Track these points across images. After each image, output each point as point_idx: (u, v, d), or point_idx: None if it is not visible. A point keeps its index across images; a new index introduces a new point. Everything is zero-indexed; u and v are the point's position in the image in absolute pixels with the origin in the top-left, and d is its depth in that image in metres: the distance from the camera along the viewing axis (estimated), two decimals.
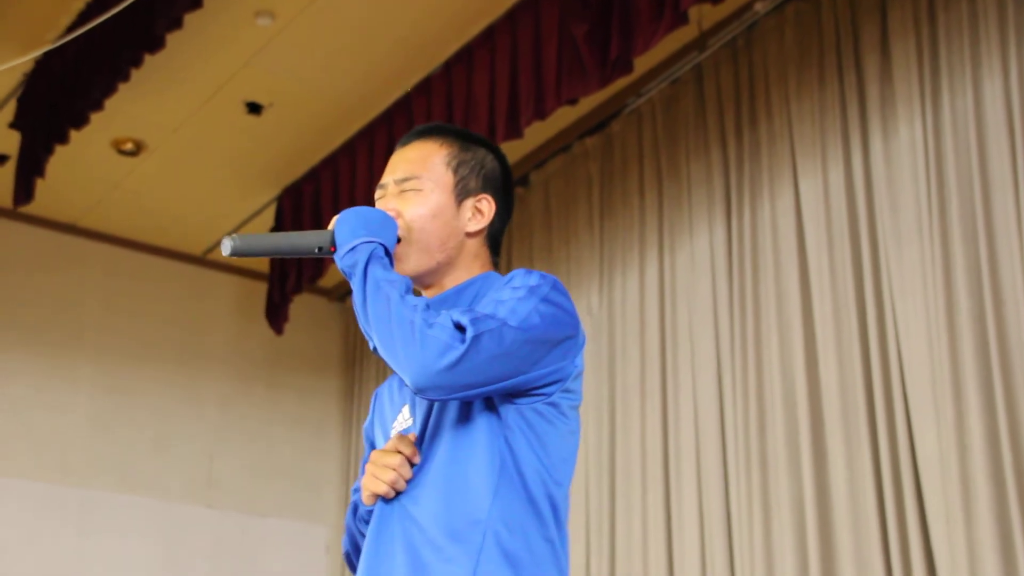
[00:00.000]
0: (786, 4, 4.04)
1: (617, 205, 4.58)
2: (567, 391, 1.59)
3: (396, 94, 4.59)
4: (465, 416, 1.57)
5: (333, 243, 1.60)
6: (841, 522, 3.51)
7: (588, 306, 4.57)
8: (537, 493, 1.55)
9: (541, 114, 3.96)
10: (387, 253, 1.59)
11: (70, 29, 4.11)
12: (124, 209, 5.37)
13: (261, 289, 5.45)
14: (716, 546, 3.84)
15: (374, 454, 1.60)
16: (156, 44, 3.96)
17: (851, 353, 3.60)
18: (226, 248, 1.59)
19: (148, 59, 4.02)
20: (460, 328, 1.49)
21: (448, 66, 4.37)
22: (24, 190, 4.53)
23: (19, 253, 5.35)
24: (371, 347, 1.57)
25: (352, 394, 5.86)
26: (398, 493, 1.57)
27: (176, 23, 3.90)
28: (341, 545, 5.52)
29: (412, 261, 1.65)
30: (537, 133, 4.61)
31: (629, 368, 4.34)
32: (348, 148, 4.88)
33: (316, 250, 1.61)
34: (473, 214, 1.68)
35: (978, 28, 3.51)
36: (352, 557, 1.73)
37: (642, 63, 4.15)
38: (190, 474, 5.49)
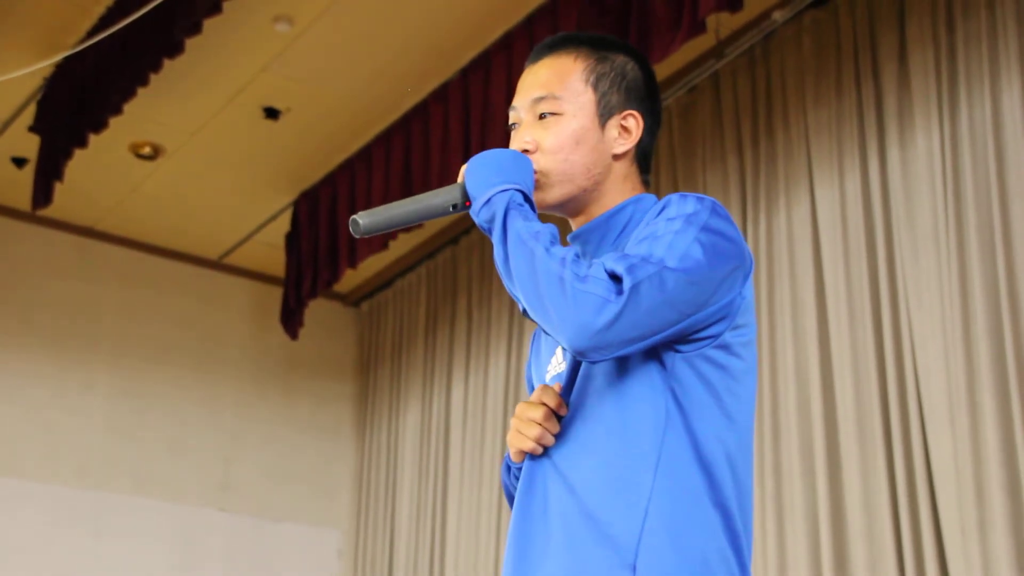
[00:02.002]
0: (804, 13, 4.03)
1: None
2: (737, 327, 1.42)
3: (413, 100, 4.61)
4: (623, 364, 1.40)
5: (467, 197, 1.46)
6: (855, 532, 3.50)
7: None
8: (710, 453, 1.38)
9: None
10: (527, 199, 1.43)
11: (90, 34, 4.13)
12: (141, 213, 5.40)
13: (277, 294, 5.47)
14: None
15: (519, 407, 1.46)
16: (175, 49, 3.98)
17: (866, 362, 3.59)
18: (356, 228, 1.46)
19: (167, 64, 4.05)
20: (615, 278, 1.33)
21: (465, 72, 4.38)
22: (43, 193, 4.56)
23: (37, 256, 5.39)
24: (520, 309, 1.43)
25: (367, 399, 5.87)
26: (547, 448, 1.43)
27: (195, 28, 3.92)
28: (360, 549, 5.53)
29: (556, 190, 1.51)
30: None
31: None
32: (365, 153, 4.89)
33: (451, 208, 1.47)
34: (620, 133, 1.53)
35: (997, 38, 3.50)
36: (510, 503, 1.59)
37: (659, 71, 4.14)
38: (205, 478, 5.50)
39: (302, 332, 5.34)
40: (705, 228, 1.38)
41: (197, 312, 5.67)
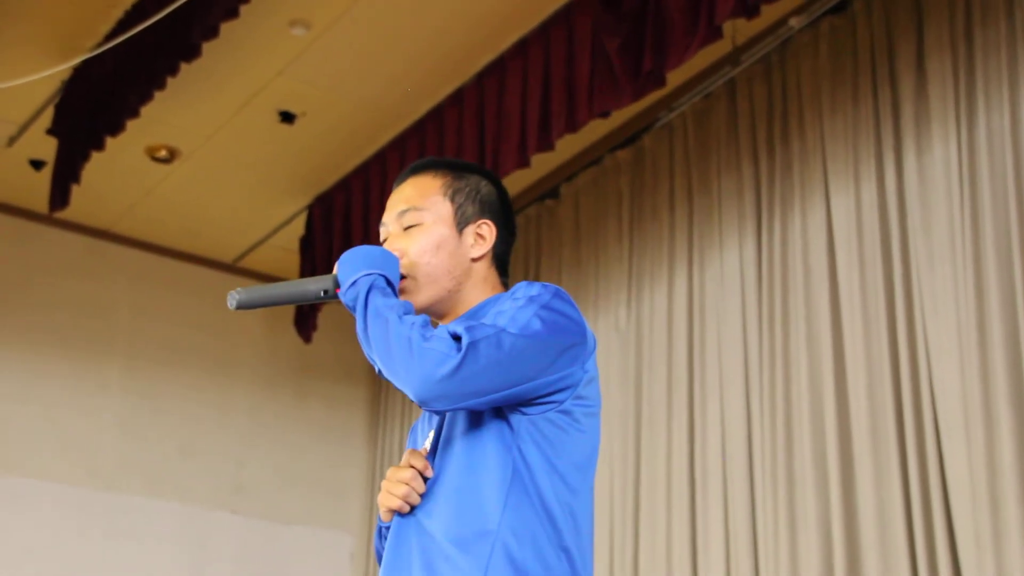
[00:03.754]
0: (821, 19, 4.02)
1: (647, 219, 4.57)
2: (579, 397, 1.58)
3: (428, 104, 4.61)
4: (476, 427, 1.58)
5: (337, 284, 1.63)
6: (868, 542, 3.48)
7: (616, 320, 4.56)
8: (552, 502, 1.54)
9: (573, 127, 3.96)
10: (389, 284, 1.62)
11: (108, 37, 4.15)
12: (157, 215, 5.42)
13: None
14: (741, 564, 3.82)
15: (389, 471, 1.62)
16: (192, 53, 3.99)
17: (881, 371, 3.57)
18: (231, 302, 1.62)
19: (184, 67, 4.06)
20: (457, 339, 1.51)
21: (480, 77, 4.38)
22: (60, 195, 4.58)
23: (53, 258, 5.41)
24: (376, 371, 1.61)
25: (379, 403, 5.88)
26: (413, 508, 1.58)
27: (212, 32, 3.93)
28: (370, 553, 5.53)
29: (424, 292, 1.68)
30: (568, 146, 4.61)
31: (656, 383, 4.32)
32: (379, 158, 4.90)
33: (321, 294, 1.64)
34: (475, 240, 1.72)
35: (1016, 46, 3.48)
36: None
37: (675, 77, 4.15)
38: (217, 480, 5.51)
39: (315, 336, 5.35)
40: (546, 307, 1.56)
41: (211, 315, 5.68)
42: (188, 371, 5.55)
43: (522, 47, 4.22)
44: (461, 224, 1.71)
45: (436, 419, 1.64)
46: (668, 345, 4.31)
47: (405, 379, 1.52)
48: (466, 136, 4.39)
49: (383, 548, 1.71)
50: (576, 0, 4.00)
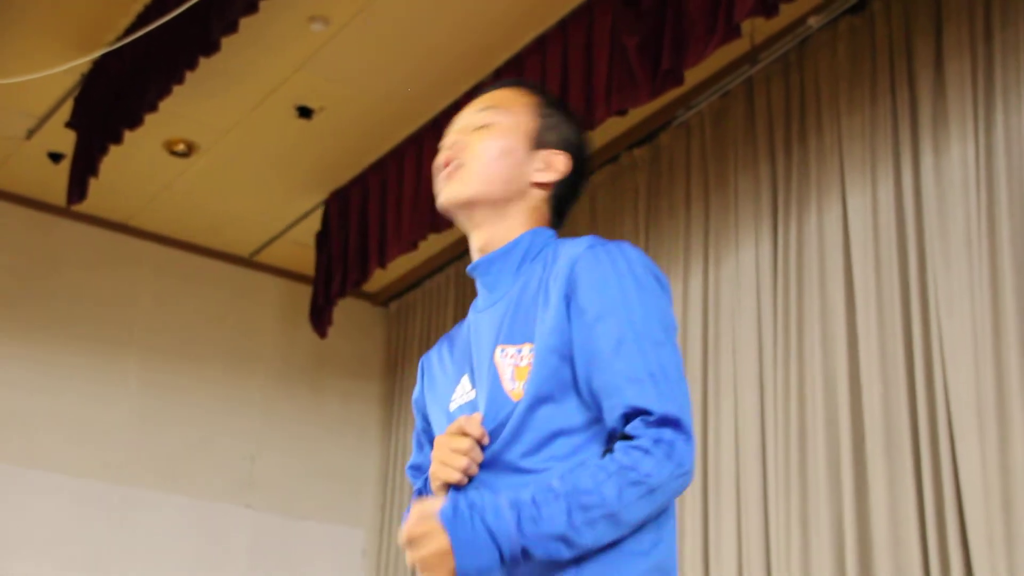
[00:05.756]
0: (839, 19, 4.01)
1: (663, 217, 4.57)
2: None
3: (446, 101, 4.62)
4: (548, 396, 1.42)
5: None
6: (881, 545, 3.47)
7: None
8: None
9: (590, 124, 3.96)
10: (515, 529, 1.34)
11: (128, 31, 4.17)
12: (174, 209, 5.44)
13: (306, 292, 5.50)
14: (753, 565, 3.81)
15: (439, 439, 1.47)
16: (211, 48, 4.01)
17: (895, 372, 3.56)
18: None
19: (203, 62, 4.08)
20: (662, 422, 1.34)
21: (499, 74, 4.39)
22: (78, 189, 4.61)
23: (72, 251, 5.44)
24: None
25: (393, 398, 5.89)
26: (470, 479, 1.44)
27: (232, 27, 3.94)
28: (383, 548, 5.54)
29: (469, 188, 1.54)
30: None
31: None
32: (397, 154, 4.91)
33: None
34: (545, 165, 1.57)
35: None
36: None
37: (693, 76, 4.14)
38: (231, 474, 5.53)
39: (331, 331, 5.36)
40: (653, 293, 1.46)
41: (228, 309, 5.71)
42: (204, 365, 5.57)
43: (541, 44, 4.22)
44: (537, 143, 1.57)
45: (491, 374, 1.47)
46: (682, 343, 4.31)
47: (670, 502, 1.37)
48: None
49: None
50: None
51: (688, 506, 4.08)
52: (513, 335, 1.46)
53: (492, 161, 1.55)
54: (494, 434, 1.43)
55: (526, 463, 1.40)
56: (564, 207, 1.61)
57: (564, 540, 1.31)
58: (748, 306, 4.09)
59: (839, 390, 3.69)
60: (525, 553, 1.31)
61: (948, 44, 3.68)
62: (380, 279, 5.76)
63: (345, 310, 5.48)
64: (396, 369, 5.93)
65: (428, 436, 1.63)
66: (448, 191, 1.57)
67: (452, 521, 1.34)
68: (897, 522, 3.44)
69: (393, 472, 5.72)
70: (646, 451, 1.32)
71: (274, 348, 5.77)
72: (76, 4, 4.23)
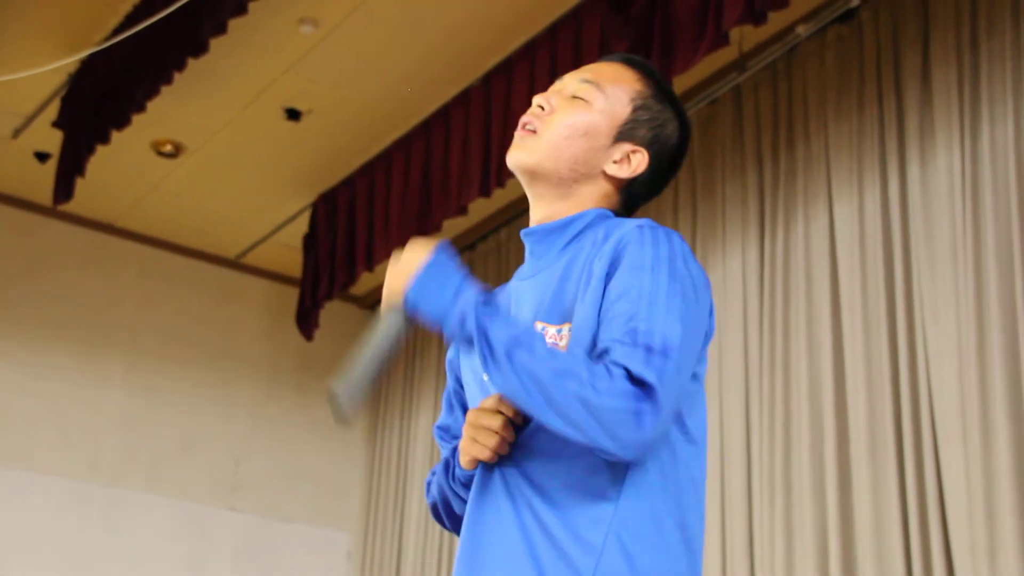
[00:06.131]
0: (828, 28, 4.03)
1: None
2: (700, 358, 1.43)
3: (435, 105, 4.62)
4: None
5: (409, 313, 1.38)
6: (864, 549, 3.48)
7: None
8: (677, 474, 1.37)
9: None
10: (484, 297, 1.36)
11: (116, 31, 4.16)
12: (161, 210, 5.43)
13: (293, 294, 5.49)
14: (737, 569, 3.82)
15: (471, 414, 1.42)
16: (200, 49, 4.00)
17: (880, 379, 3.58)
18: (342, 418, 1.40)
19: (191, 63, 4.07)
20: (636, 381, 1.28)
21: (488, 78, 4.39)
22: (64, 189, 4.59)
23: (57, 251, 5.42)
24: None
25: (379, 402, 5.88)
26: (501, 456, 1.40)
27: (221, 28, 3.94)
28: (367, 551, 5.54)
29: (534, 156, 1.50)
30: None
31: None
32: (384, 157, 4.91)
33: (400, 336, 1.41)
34: (622, 158, 1.51)
35: (1021, 58, 3.49)
36: (440, 509, 1.59)
37: (680, 83, 4.15)
38: (216, 476, 5.52)
39: (317, 333, 5.35)
40: (690, 283, 1.38)
41: (213, 311, 5.70)
42: (190, 366, 5.56)
43: (530, 49, 4.23)
44: (622, 134, 1.51)
45: None
46: None
47: (591, 441, 1.29)
48: (472, 137, 4.40)
49: (449, 485, 1.54)
50: (584, 3, 4.01)
51: None
52: (552, 314, 1.43)
53: (566, 138, 1.49)
54: None
55: (555, 446, 1.36)
56: (635, 203, 1.56)
57: (493, 345, 1.32)
58: (735, 312, 4.11)
59: (824, 396, 3.71)
60: (462, 323, 1.34)
61: (935, 53, 3.70)
62: (367, 282, 5.75)
63: (332, 313, 5.48)
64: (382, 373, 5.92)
65: (459, 398, 1.60)
66: (515, 154, 1.52)
67: (438, 261, 1.37)
68: (881, 527, 3.46)
69: (378, 475, 5.72)
70: (611, 375, 1.29)
71: (260, 350, 5.76)
72: (64, 3, 4.22)
